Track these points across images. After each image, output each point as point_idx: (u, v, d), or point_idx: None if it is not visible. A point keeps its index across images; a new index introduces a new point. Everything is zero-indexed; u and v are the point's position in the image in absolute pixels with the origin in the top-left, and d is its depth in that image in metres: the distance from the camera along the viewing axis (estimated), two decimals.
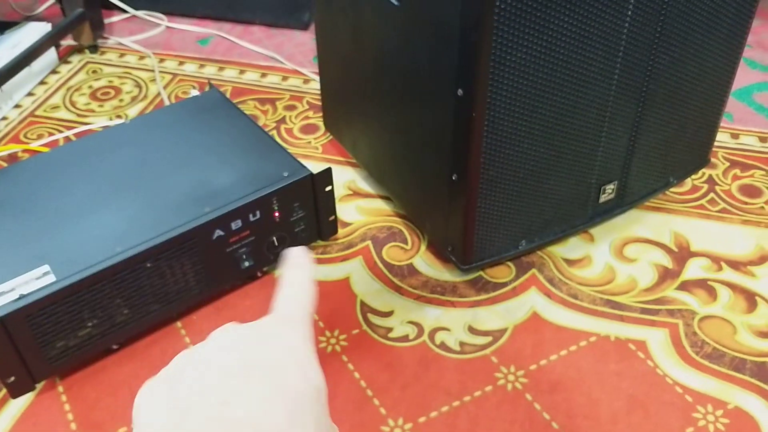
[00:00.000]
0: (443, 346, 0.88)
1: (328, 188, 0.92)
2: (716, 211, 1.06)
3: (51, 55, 1.39)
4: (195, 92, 1.04)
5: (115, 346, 0.87)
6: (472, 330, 0.90)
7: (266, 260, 0.92)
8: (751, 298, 0.94)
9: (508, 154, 0.81)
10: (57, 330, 0.78)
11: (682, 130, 0.95)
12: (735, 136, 1.21)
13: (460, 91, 0.77)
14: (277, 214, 0.88)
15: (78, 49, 1.45)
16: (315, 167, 0.91)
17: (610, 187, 0.94)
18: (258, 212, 0.86)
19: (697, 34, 0.85)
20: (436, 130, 0.84)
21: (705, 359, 0.87)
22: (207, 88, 1.07)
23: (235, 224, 0.85)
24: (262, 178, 0.88)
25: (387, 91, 0.92)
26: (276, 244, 0.90)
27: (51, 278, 0.77)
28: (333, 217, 0.95)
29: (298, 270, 0.48)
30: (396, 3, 0.82)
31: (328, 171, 0.90)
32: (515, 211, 0.88)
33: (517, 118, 0.79)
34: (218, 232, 0.84)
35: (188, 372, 0.38)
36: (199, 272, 0.86)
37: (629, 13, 0.77)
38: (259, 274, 0.96)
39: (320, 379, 0.39)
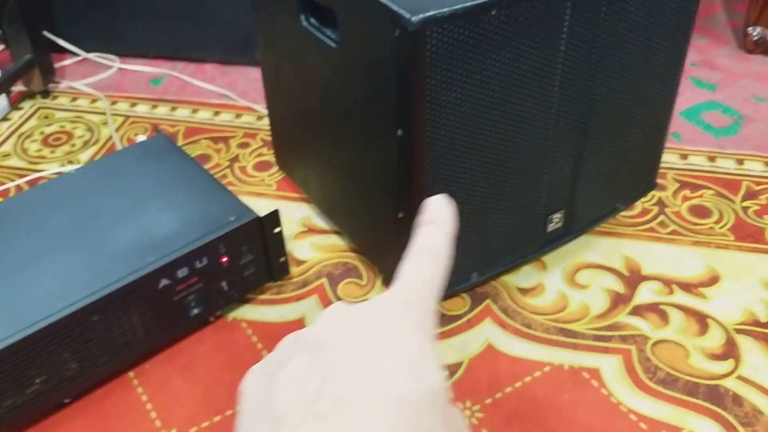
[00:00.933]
0: None
1: (277, 230, 0.91)
2: (666, 234, 1.08)
3: (2, 101, 1.38)
4: (142, 137, 1.04)
5: (66, 400, 0.86)
6: None
7: (217, 305, 0.91)
8: (702, 321, 0.95)
9: (452, 190, 0.82)
10: (3, 389, 0.77)
11: (626, 156, 0.96)
12: (684, 156, 1.23)
13: (399, 131, 0.77)
14: (225, 258, 0.88)
15: (29, 95, 1.44)
16: (269, 205, 0.91)
17: (557, 216, 0.94)
18: (205, 258, 0.86)
19: (635, 63, 0.87)
20: (380, 168, 0.84)
21: (659, 385, 0.87)
22: (153, 134, 1.07)
23: (182, 272, 0.84)
24: (208, 224, 0.87)
25: (332, 130, 0.92)
26: (226, 288, 0.90)
27: None
28: (284, 258, 0.95)
29: (433, 228, 0.39)
30: (334, 45, 0.83)
31: (275, 213, 0.90)
32: (464, 246, 0.88)
33: (458, 155, 0.79)
34: (164, 281, 0.83)
35: (292, 366, 0.33)
36: (147, 322, 0.85)
37: (562, 47, 0.78)
38: (211, 319, 0.96)
39: (438, 379, 0.33)
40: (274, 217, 0.90)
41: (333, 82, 0.87)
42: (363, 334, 0.34)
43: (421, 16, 0.68)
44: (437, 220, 0.39)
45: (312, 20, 0.87)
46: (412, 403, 0.31)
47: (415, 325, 0.35)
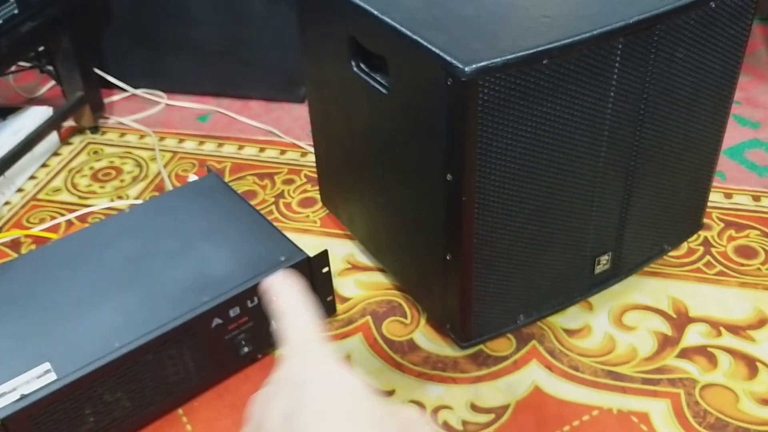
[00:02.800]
0: (446, 425, 0.88)
1: (325, 270, 0.93)
2: (713, 274, 1.07)
3: (53, 137, 1.42)
4: (193, 177, 1.06)
5: None
6: (474, 407, 0.90)
7: (266, 344, 0.92)
8: (752, 364, 0.94)
9: (500, 234, 0.82)
10: (58, 428, 0.79)
11: (672, 198, 0.96)
12: (728, 195, 1.22)
13: (449, 176, 0.78)
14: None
15: (79, 130, 1.48)
16: (314, 242, 0.92)
17: (604, 259, 0.94)
18: (256, 298, 0.87)
19: (682, 108, 0.87)
20: (427, 211, 0.85)
21: (708, 430, 0.86)
22: (206, 173, 1.09)
23: (233, 311, 0.86)
24: (259, 264, 0.89)
25: (379, 173, 0.94)
26: (275, 328, 0.91)
27: (52, 376, 0.78)
28: (331, 297, 0.96)
29: (283, 296, 0.44)
30: (384, 91, 0.84)
31: (325, 253, 0.91)
32: (511, 288, 0.89)
33: (507, 199, 0.80)
34: (217, 321, 0.85)
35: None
36: (199, 361, 0.86)
37: (612, 94, 0.79)
38: (259, 356, 0.97)
39: (358, 381, 0.38)
40: (323, 257, 0.91)
41: (382, 127, 0.88)
42: (290, 395, 0.38)
43: (474, 66, 0.69)
44: (283, 290, 0.45)
45: (362, 66, 0.88)
46: (365, 407, 0.37)
47: (320, 358, 0.41)
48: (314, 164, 1.17)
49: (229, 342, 0.88)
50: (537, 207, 0.83)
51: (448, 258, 0.85)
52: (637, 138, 0.85)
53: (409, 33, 0.76)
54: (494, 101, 0.71)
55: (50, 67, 1.45)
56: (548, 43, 0.71)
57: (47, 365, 0.79)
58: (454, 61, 0.70)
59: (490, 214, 0.80)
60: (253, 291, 0.87)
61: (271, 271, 0.88)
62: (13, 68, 1.59)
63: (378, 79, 0.86)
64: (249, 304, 0.87)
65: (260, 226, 0.96)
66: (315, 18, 0.96)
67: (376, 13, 0.81)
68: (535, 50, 0.71)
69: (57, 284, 0.90)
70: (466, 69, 0.69)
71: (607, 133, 0.82)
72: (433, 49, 0.73)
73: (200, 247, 0.93)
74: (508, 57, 0.70)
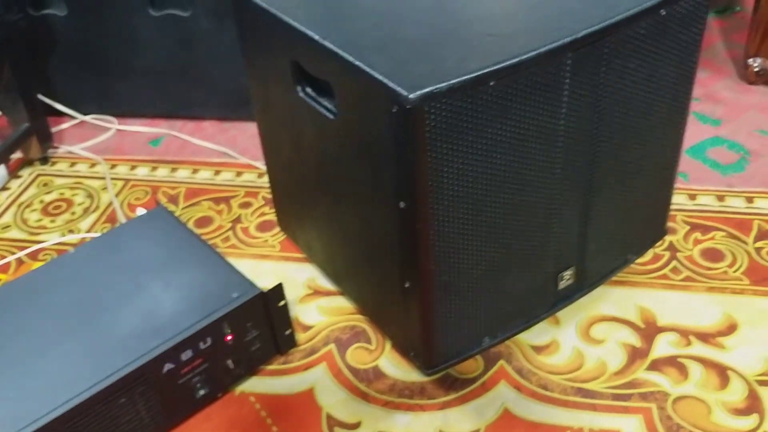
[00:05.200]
0: None
1: (282, 303, 0.89)
2: (680, 280, 1.05)
3: (1, 171, 1.37)
4: (141, 211, 1.02)
5: None
6: None
7: (223, 384, 0.89)
8: (722, 373, 0.92)
9: (458, 258, 0.80)
10: None
11: (634, 208, 0.94)
12: (692, 197, 1.21)
13: (402, 204, 0.75)
14: (229, 337, 0.86)
15: (28, 162, 1.43)
16: (273, 267, 0.89)
17: (567, 274, 0.92)
18: (209, 339, 0.84)
19: (637, 118, 0.85)
20: (383, 239, 0.82)
21: None
22: (154, 202, 1.06)
23: (186, 354, 0.83)
24: (211, 302, 0.86)
25: (332, 200, 0.91)
26: (231, 366, 0.88)
27: None
28: (290, 331, 0.93)
29: None
30: (331, 117, 0.81)
31: (279, 287, 0.88)
32: (474, 312, 0.86)
33: (463, 223, 0.77)
34: (168, 366, 0.81)
35: None
36: (152, 408, 0.83)
37: (563, 111, 0.76)
38: (219, 395, 0.93)
39: None
40: (278, 291, 0.88)
41: (331, 153, 0.85)
42: None
43: (418, 93, 0.66)
44: None
45: (308, 90, 0.85)
46: None
47: None
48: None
49: (184, 386, 0.84)
50: (494, 229, 0.80)
51: (406, 285, 0.83)
52: (592, 152, 0.83)
53: (351, 58, 0.73)
54: (442, 127, 0.69)
55: None
56: (494, 63, 0.69)
57: None
58: (397, 88, 0.67)
59: (447, 239, 0.77)
60: (206, 331, 0.83)
61: (224, 310, 0.84)
62: None
63: (324, 103, 0.83)
64: (202, 346, 0.83)
65: (211, 261, 0.92)
66: (258, 43, 0.93)
67: (317, 37, 0.78)
68: (481, 72, 0.68)
69: (1, 333, 0.86)
70: (410, 96, 0.66)
71: (562, 149, 0.79)
72: (376, 75, 0.70)
73: (149, 287, 0.89)
74: (453, 82, 0.67)
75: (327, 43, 0.76)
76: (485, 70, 0.68)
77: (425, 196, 0.73)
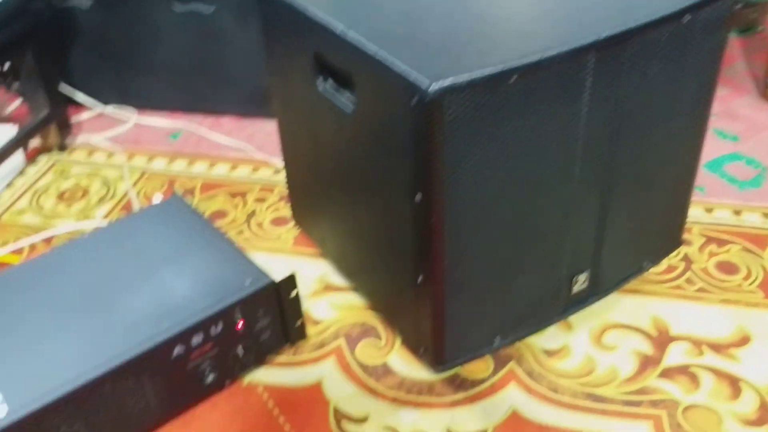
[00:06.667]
0: None
1: (294, 293, 0.89)
2: (694, 291, 1.04)
3: (18, 157, 1.38)
4: (158, 198, 1.03)
5: None
6: None
7: (232, 372, 0.89)
8: (734, 384, 0.91)
9: (472, 255, 0.80)
10: None
11: (651, 215, 0.93)
12: (709, 210, 1.20)
13: (417, 197, 0.75)
14: (240, 324, 0.86)
15: (46, 150, 1.44)
16: (286, 261, 0.89)
17: (582, 277, 0.92)
18: (220, 324, 0.84)
19: (657, 124, 0.85)
20: (397, 233, 0.82)
21: None
22: (170, 194, 1.06)
23: (196, 339, 0.83)
24: (224, 289, 0.86)
25: (348, 192, 0.91)
26: (241, 354, 0.88)
27: (4, 409, 0.74)
28: (300, 321, 0.93)
29: None
30: (350, 110, 0.82)
31: (292, 277, 0.88)
32: (486, 310, 0.86)
33: (478, 220, 0.77)
34: (178, 349, 0.81)
35: None
36: (160, 392, 0.83)
37: (584, 112, 0.76)
38: (227, 382, 0.93)
39: None
40: (290, 281, 0.88)
41: (348, 146, 0.85)
42: None
43: (438, 85, 0.66)
44: None
45: (328, 84, 0.86)
46: None
47: None
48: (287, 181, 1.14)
49: (193, 371, 0.84)
50: (509, 227, 0.80)
51: (419, 281, 0.82)
52: (611, 155, 0.82)
53: (372, 50, 0.73)
54: (461, 121, 0.69)
55: (17, 83, 1.41)
56: (516, 60, 0.69)
57: None
58: (418, 80, 0.67)
59: (461, 235, 0.77)
60: (218, 317, 0.83)
61: (236, 296, 0.84)
62: None
63: (343, 97, 0.83)
64: (213, 331, 0.83)
65: (225, 250, 0.92)
66: (280, 35, 0.93)
67: (340, 29, 0.78)
68: (502, 68, 0.68)
69: (12, 313, 0.86)
70: (431, 88, 0.66)
71: (581, 151, 0.79)
72: (397, 67, 0.70)
73: (162, 272, 0.89)
74: (475, 75, 0.67)
75: (349, 35, 0.77)
76: (507, 66, 0.69)
77: (441, 191, 0.73)
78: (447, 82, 0.66)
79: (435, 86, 0.66)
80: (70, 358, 0.79)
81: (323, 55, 0.84)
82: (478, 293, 0.83)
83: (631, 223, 0.92)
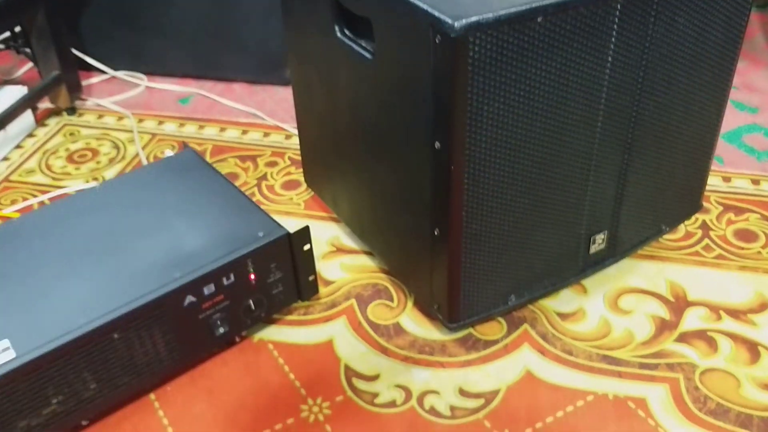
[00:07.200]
0: (433, 411, 0.84)
1: (307, 247, 0.88)
2: (712, 258, 1.03)
3: (28, 118, 1.37)
4: (170, 153, 1.01)
5: (84, 422, 0.82)
6: (463, 393, 0.86)
7: (243, 325, 0.87)
8: (753, 349, 0.89)
9: (490, 206, 0.78)
10: (18, 409, 0.73)
11: (671, 175, 0.92)
12: (727, 179, 1.18)
13: (437, 144, 0.73)
14: (252, 276, 0.84)
15: (56, 112, 1.43)
16: (297, 224, 0.87)
17: (600, 237, 0.90)
18: (232, 275, 0.82)
19: (682, 78, 0.83)
20: (415, 184, 0.81)
21: (709, 416, 0.82)
22: (181, 149, 1.04)
23: (208, 289, 0.81)
24: (236, 240, 0.84)
25: (363, 146, 0.89)
26: (253, 307, 0.86)
27: (11, 354, 0.73)
28: (313, 277, 0.91)
29: None
30: (369, 57, 0.80)
31: (306, 229, 0.87)
32: (502, 266, 0.84)
33: (498, 169, 0.75)
34: (190, 299, 0.80)
35: None
36: (170, 342, 0.81)
37: (609, 59, 0.74)
38: (237, 339, 0.92)
39: None
40: (304, 234, 0.86)
41: (366, 97, 0.84)
42: None
43: (464, 21, 0.64)
44: None
45: (346, 31, 0.84)
46: None
47: None
48: (299, 147, 1.12)
49: (203, 322, 0.83)
50: (530, 178, 0.78)
51: (436, 233, 0.81)
52: (635, 108, 0.81)
53: None
54: (485, 61, 0.67)
55: (27, 49, 1.40)
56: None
57: (6, 342, 0.74)
58: (442, 17, 0.66)
59: (480, 184, 0.76)
60: (230, 267, 0.82)
61: (249, 247, 0.83)
62: None
63: (363, 45, 0.82)
64: (225, 282, 0.82)
65: (238, 202, 0.91)
66: None
67: None
68: (529, 6, 0.66)
69: (22, 259, 0.85)
70: (456, 25, 0.65)
71: (605, 100, 0.77)
72: (421, 4, 0.68)
73: (174, 222, 0.88)
74: (501, 13, 0.65)
75: None
76: (534, 5, 0.67)
77: (462, 136, 0.71)
78: (472, 19, 0.64)
79: (461, 23, 0.64)
80: (80, 306, 0.78)
81: (342, 0, 0.82)
82: (495, 247, 0.82)
83: (652, 183, 0.90)
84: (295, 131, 1.33)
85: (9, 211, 1.17)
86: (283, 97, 1.45)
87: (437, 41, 0.67)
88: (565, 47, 0.71)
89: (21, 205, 1.18)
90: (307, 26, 0.92)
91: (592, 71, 0.74)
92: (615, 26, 0.73)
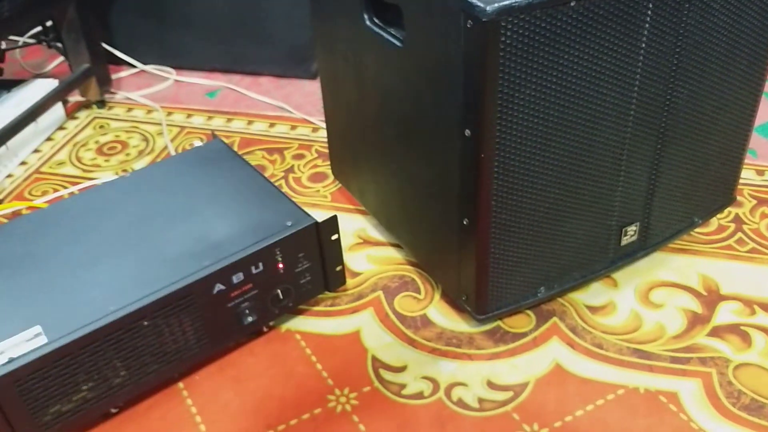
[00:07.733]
0: (460, 403, 0.83)
1: (335, 237, 0.88)
2: (745, 252, 1.01)
3: (58, 111, 1.38)
4: (198, 143, 1.02)
5: (113, 410, 0.83)
6: (491, 385, 0.85)
7: (271, 314, 0.87)
8: None
9: (520, 196, 0.77)
10: (50, 395, 0.74)
11: (704, 166, 0.90)
12: (760, 172, 1.16)
13: (467, 132, 0.73)
14: (280, 265, 0.84)
15: (85, 105, 1.44)
16: (323, 216, 0.87)
17: (631, 229, 0.89)
18: (260, 264, 0.82)
19: (716, 67, 0.81)
20: (444, 173, 0.80)
21: (743, 411, 0.80)
22: (210, 139, 1.05)
23: (237, 277, 0.81)
24: (265, 229, 0.84)
25: (392, 136, 0.88)
26: (281, 297, 0.86)
27: (42, 340, 0.73)
28: (340, 267, 0.91)
29: None
30: (398, 45, 0.79)
31: (334, 219, 0.86)
32: (531, 257, 0.83)
33: (529, 157, 0.74)
34: (219, 287, 0.80)
35: None
36: (199, 330, 0.81)
37: (643, 45, 0.73)
38: (264, 329, 0.92)
39: None
40: (332, 223, 0.86)
41: (395, 84, 0.83)
42: None
43: (495, 5, 0.64)
44: None
45: (375, 20, 0.83)
46: None
47: None
48: (326, 140, 1.12)
49: (232, 310, 0.83)
50: (561, 167, 0.77)
51: (464, 223, 0.80)
52: (669, 96, 0.79)
53: None
54: (517, 45, 0.66)
55: (58, 44, 1.41)
56: None
57: (38, 328, 0.74)
58: (474, 1, 0.65)
59: (511, 173, 0.75)
60: (258, 256, 0.82)
61: (277, 236, 0.83)
62: (20, 43, 1.56)
63: (392, 32, 0.81)
64: (254, 270, 0.82)
65: (266, 191, 0.91)
66: None
67: None
68: None
69: (54, 246, 0.85)
70: (488, 8, 0.64)
71: (638, 88, 0.76)
72: None
73: (203, 210, 0.88)
74: None
75: None
76: None
77: (492, 124, 0.71)
78: (504, 2, 0.64)
79: (492, 6, 0.63)
80: (110, 293, 0.78)
81: None
82: (524, 238, 0.81)
83: (685, 173, 0.88)
84: (322, 124, 1.33)
85: (39, 201, 1.18)
86: (310, 90, 1.45)
87: (468, 26, 0.66)
88: (598, 32, 0.70)
89: (51, 196, 1.20)
90: (335, 15, 0.92)
91: (625, 57, 0.73)
92: (649, 11, 0.72)
